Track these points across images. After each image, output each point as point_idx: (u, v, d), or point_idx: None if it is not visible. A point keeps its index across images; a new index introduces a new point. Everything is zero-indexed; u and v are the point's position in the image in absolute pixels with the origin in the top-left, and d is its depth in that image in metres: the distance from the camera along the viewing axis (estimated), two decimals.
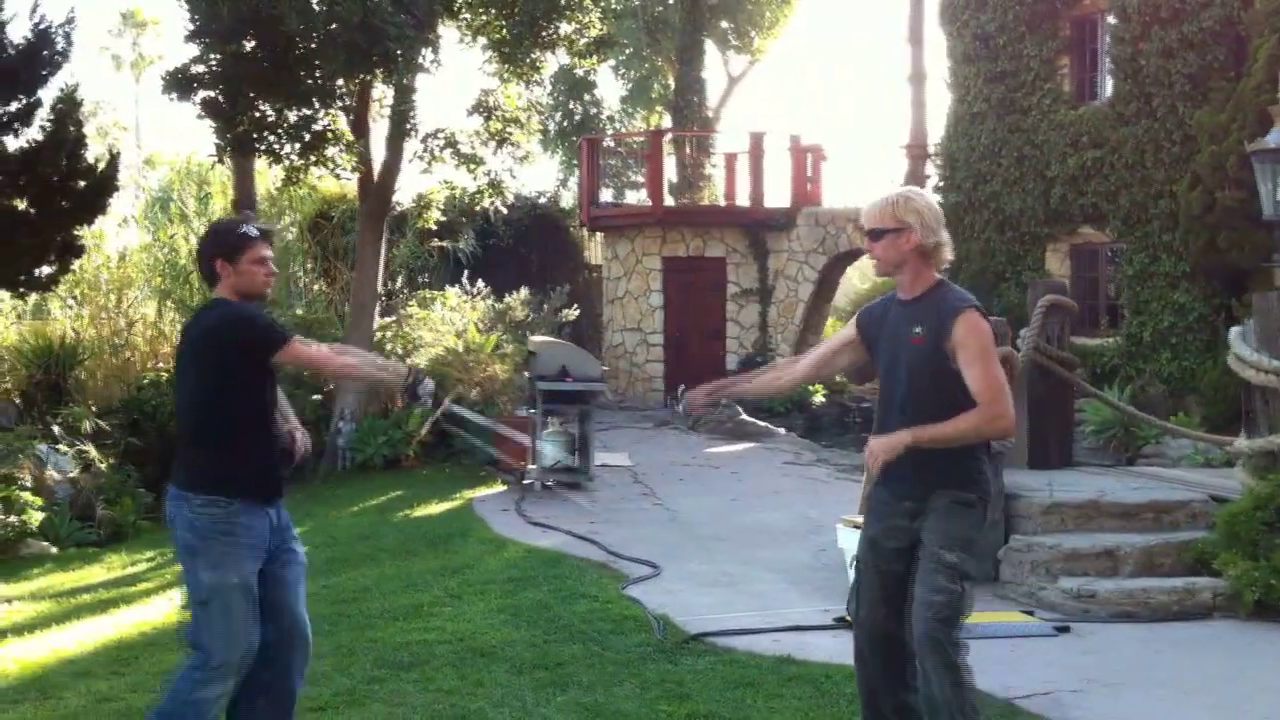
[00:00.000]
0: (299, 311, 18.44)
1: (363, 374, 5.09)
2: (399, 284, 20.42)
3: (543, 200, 25.49)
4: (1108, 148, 14.79)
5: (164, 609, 8.58)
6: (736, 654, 6.40)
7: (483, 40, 16.08)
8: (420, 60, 13.43)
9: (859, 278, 28.45)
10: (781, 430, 16.91)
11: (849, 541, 7.97)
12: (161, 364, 18.97)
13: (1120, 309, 15.07)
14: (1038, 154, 15.93)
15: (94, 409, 15.31)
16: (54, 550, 11.77)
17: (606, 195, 25.97)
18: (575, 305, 17.30)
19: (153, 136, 61.05)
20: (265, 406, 4.68)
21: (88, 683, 6.55)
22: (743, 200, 21.83)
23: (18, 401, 17.61)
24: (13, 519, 11.25)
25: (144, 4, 54.85)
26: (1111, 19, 14.94)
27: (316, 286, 21.59)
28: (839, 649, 6.41)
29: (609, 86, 38.02)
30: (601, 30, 15.94)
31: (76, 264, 16.98)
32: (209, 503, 4.49)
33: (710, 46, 29.40)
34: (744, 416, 16.86)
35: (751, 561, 8.90)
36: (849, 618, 6.98)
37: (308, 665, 4.85)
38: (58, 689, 6.47)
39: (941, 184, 17.91)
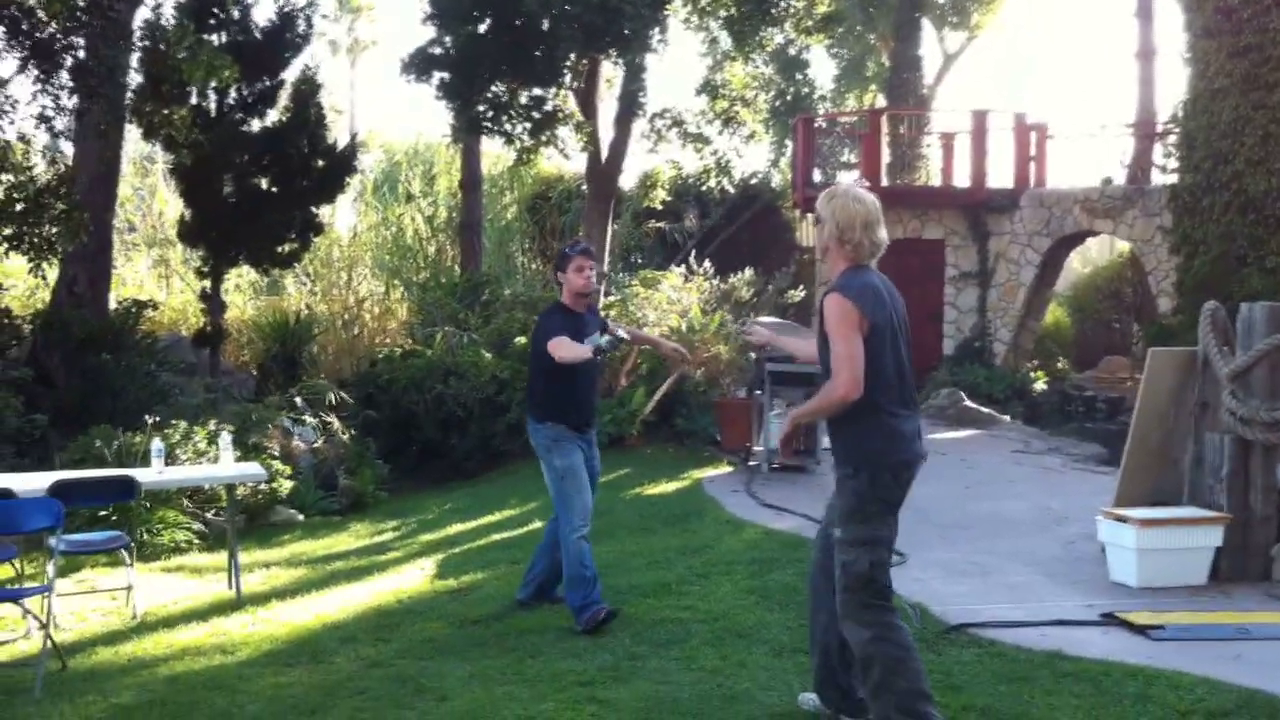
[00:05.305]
0: (506, 292, 18.59)
1: (572, 357, 6.76)
2: (612, 264, 20.59)
3: (754, 181, 25.37)
4: None
5: (416, 577, 8.80)
6: (1003, 646, 6.22)
7: (709, 19, 16.09)
8: (649, 39, 13.45)
9: (1080, 261, 27.51)
10: (1006, 418, 16.48)
11: (1111, 535, 7.72)
12: (389, 339, 19.53)
13: None
14: None
15: (326, 382, 15.76)
16: (300, 518, 12.11)
17: (818, 176, 25.64)
18: (800, 286, 17.11)
19: (366, 120, 62.92)
20: (564, 374, 6.87)
21: (355, 648, 6.76)
22: (960, 180, 21.25)
23: (255, 373, 18.44)
24: (264, 486, 11.62)
25: None
26: None
27: (534, 265, 21.95)
28: (1112, 646, 6.21)
29: (821, 66, 37.44)
30: (830, 6, 15.76)
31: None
32: (550, 426, 7.04)
33: (926, 24, 28.77)
34: (967, 403, 16.50)
35: (997, 552, 8.67)
36: (1118, 614, 6.79)
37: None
38: (327, 653, 6.69)
39: (1178, 164, 17.12)
